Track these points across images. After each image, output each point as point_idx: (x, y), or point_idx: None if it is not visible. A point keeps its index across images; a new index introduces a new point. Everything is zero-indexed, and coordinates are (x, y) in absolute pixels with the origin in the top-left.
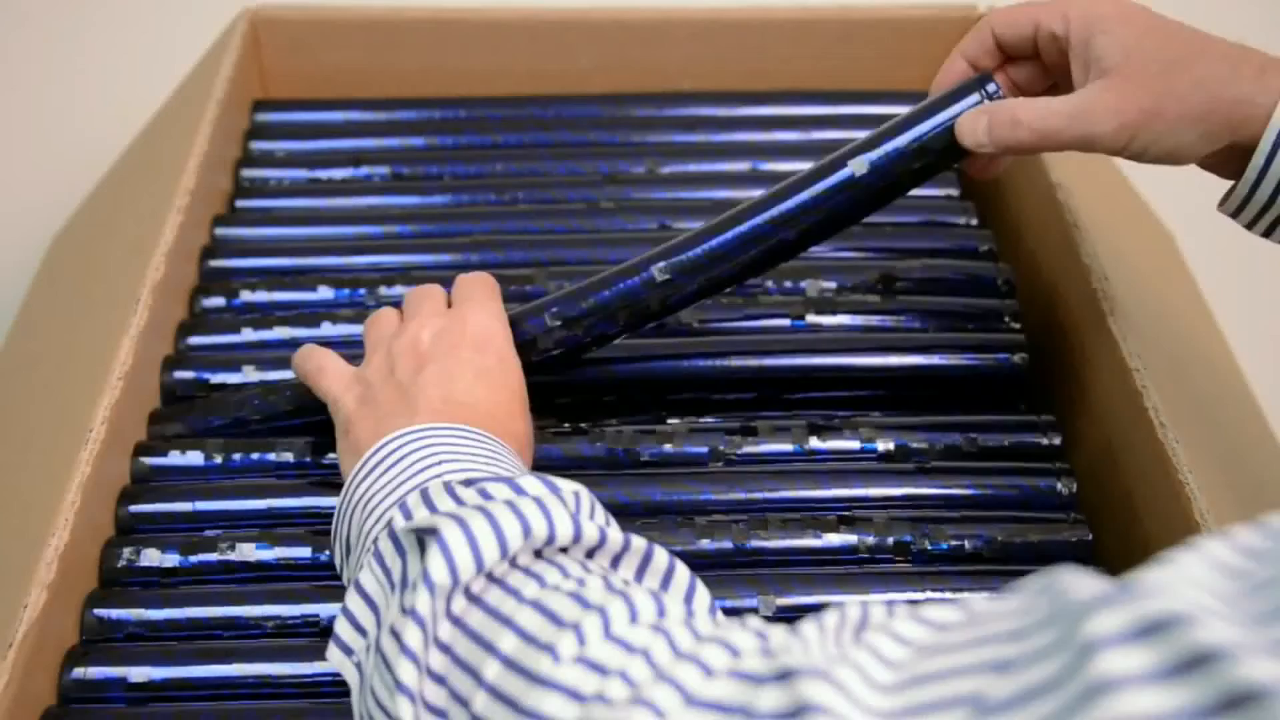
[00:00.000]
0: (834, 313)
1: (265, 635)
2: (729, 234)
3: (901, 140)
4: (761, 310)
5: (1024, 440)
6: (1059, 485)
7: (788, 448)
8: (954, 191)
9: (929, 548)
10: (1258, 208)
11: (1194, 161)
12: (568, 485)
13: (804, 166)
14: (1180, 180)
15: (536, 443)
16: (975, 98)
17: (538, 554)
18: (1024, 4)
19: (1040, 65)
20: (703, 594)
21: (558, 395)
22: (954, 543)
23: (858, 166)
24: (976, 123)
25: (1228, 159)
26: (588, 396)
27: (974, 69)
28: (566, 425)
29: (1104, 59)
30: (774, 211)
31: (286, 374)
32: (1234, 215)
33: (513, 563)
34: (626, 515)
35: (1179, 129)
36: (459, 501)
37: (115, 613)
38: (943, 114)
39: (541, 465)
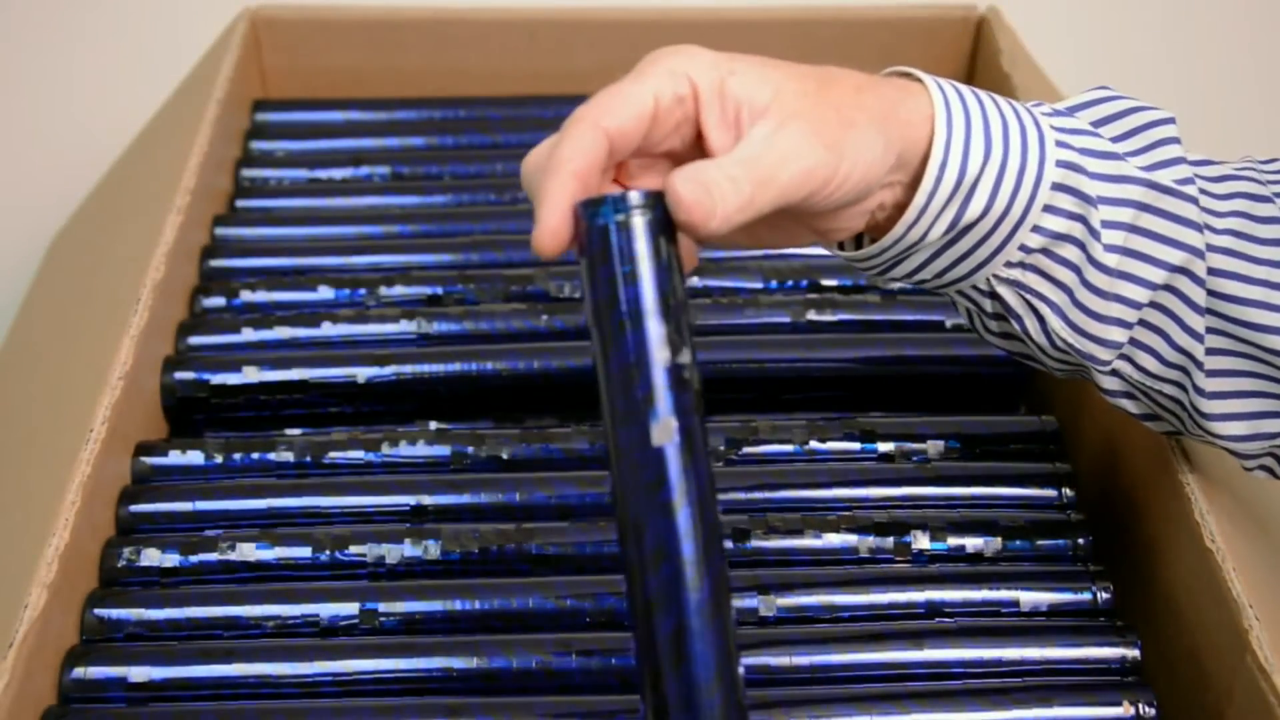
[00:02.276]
0: (834, 312)
1: (265, 635)
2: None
3: (657, 372)
4: (761, 310)
5: (1024, 441)
6: (1059, 486)
7: (788, 448)
8: None
9: (929, 548)
10: (932, 216)
11: (873, 188)
12: None
13: None
14: None
15: (536, 442)
16: (643, 217)
17: None
18: (618, 85)
19: (662, 159)
20: None
21: (558, 394)
22: (954, 543)
23: (662, 434)
24: (698, 207)
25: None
26: (588, 396)
27: (585, 190)
28: (569, 425)
29: (754, 99)
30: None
31: (287, 374)
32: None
33: None
34: None
35: (868, 135)
36: None
37: (115, 612)
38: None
39: (542, 464)
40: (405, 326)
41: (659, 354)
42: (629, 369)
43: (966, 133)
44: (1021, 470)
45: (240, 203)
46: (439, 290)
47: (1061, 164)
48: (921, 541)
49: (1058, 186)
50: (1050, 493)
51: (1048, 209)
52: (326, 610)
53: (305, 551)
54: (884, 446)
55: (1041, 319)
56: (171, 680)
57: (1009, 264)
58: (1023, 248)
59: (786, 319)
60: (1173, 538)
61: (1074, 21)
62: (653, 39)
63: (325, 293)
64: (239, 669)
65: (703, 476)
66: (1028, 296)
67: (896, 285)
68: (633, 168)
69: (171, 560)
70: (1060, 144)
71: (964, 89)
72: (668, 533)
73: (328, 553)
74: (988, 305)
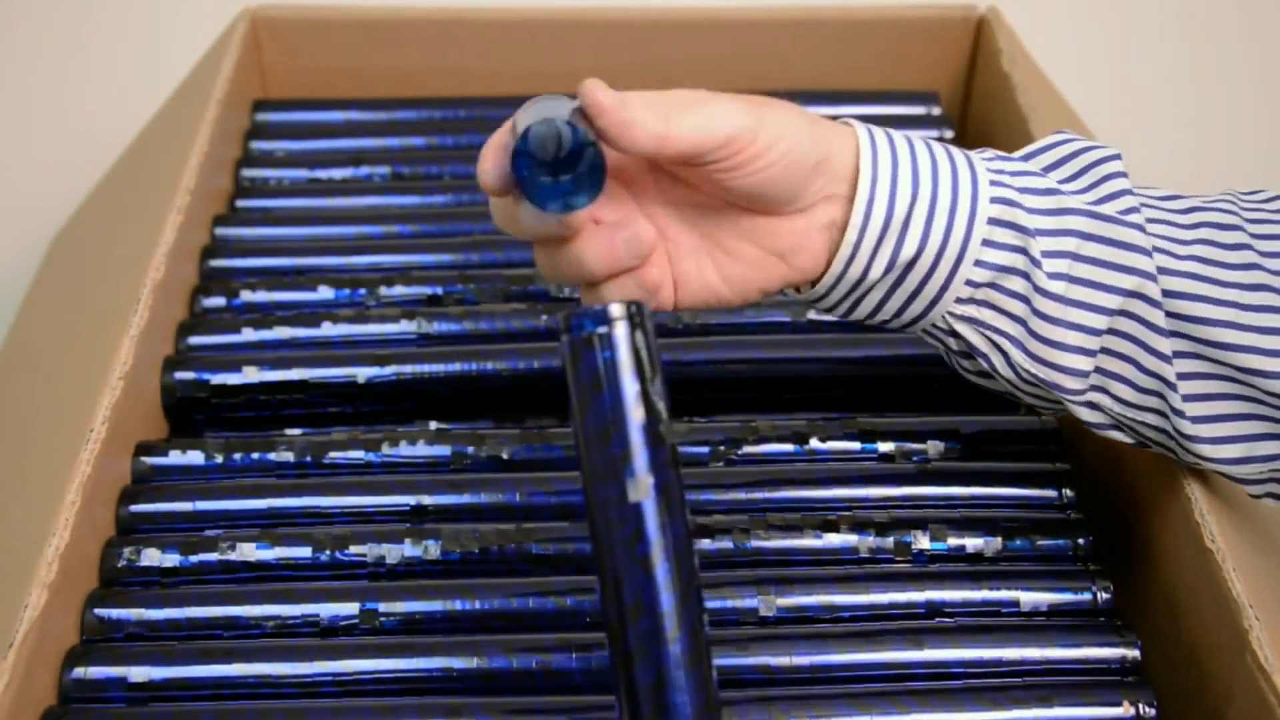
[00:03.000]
0: None
1: (265, 635)
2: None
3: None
4: (761, 310)
5: (1024, 441)
6: (1060, 486)
7: (788, 448)
8: None
9: (929, 548)
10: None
11: (804, 176)
12: None
13: None
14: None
15: (536, 442)
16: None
17: None
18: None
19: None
20: None
21: (558, 394)
22: (954, 543)
23: (638, 491)
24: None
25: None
26: None
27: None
28: (569, 425)
29: (684, 96)
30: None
31: (287, 374)
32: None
33: None
34: None
35: (791, 116)
36: None
37: (115, 612)
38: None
39: (542, 464)
40: (405, 326)
41: (634, 412)
42: (605, 426)
43: (893, 172)
44: (1021, 470)
45: (240, 203)
46: (439, 290)
47: (997, 200)
48: (921, 541)
49: (994, 221)
50: (1050, 493)
51: (987, 243)
52: (326, 610)
53: (305, 551)
54: (884, 446)
55: (1004, 353)
56: (171, 680)
57: (960, 300)
58: (969, 283)
59: (786, 319)
60: (1173, 538)
61: (1074, 21)
62: (653, 39)
63: (325, 293)
64: (239, 669)
65: (679, 530)
66: (986, 332)
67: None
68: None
69: (171, 560)
70: (995, 182)
71: (895, 134)
72: (646, 586)
73: (328, 553)
74: (954, 344)
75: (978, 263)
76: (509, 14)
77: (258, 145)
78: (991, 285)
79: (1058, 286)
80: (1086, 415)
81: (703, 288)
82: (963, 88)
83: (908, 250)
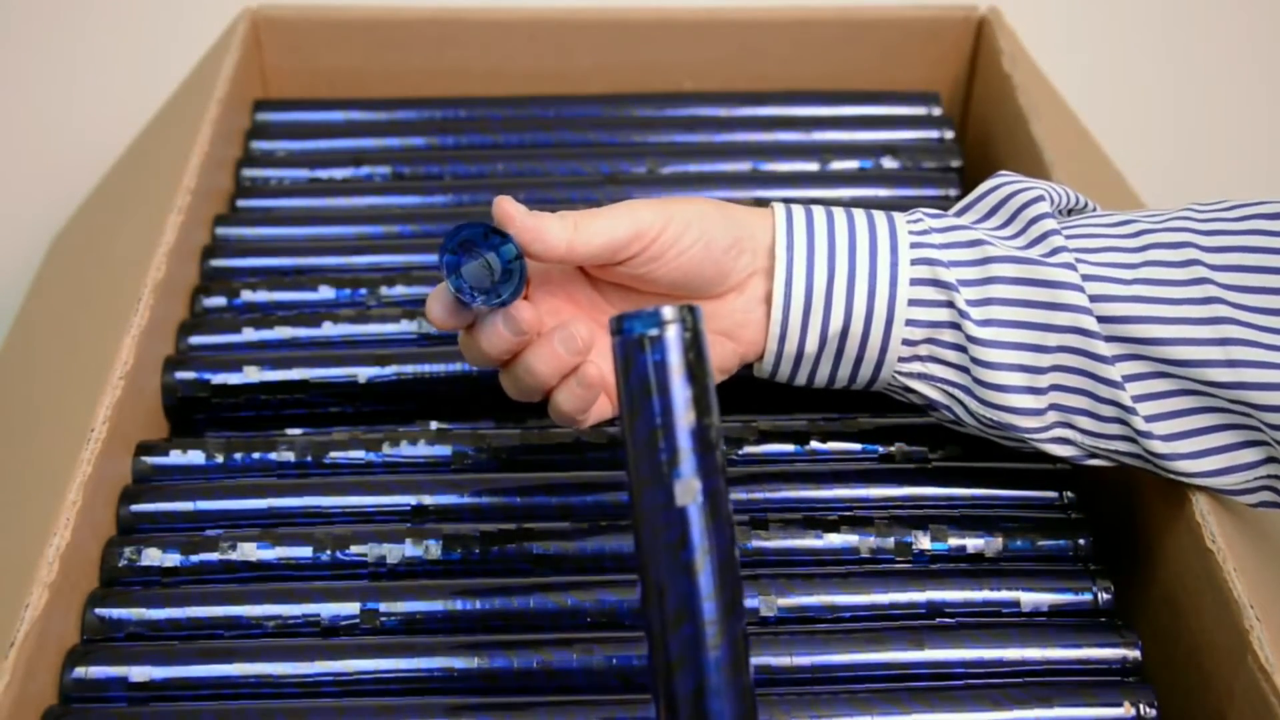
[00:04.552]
0: None
1: (266, 635)
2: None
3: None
4: None
5: None
6: (1060, 486)
7: (788, 448)
8: (953, 192)
9: (930, 548)
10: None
11: (731, 267)
12: None
13: (805, 167)
14: (1175, 192)
15: (536, 442)
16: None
17: None
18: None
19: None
20: None
21: None
22: (955, 543)
23: (685, 494)
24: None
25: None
26: None
27: None
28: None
29: (594, 210)
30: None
31: (288, 374)
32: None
33: None
34: (627, 514)
35: (700, 205)
36: None
37: (116, 612)
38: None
39: (543, 465)
40: (406, 326)
41: (684, 416)
42: (655, 431)
43: (809, 250)
44: (1022, 470)
45: (241, 202)
46: None
47: (917, 261)
48: (922, 541)
49: (917, 281)
50: (1050, 493)
51: (914, 303)
52: (327, 610)
53: (306, 551)
54: (884, 446)
55: (960, 402)
56: (172, 680)
57: (904, 359)
58: (906, 342)
59: None
60: (1173, 538)
61: (1074, 21)
62: (653, 39)
63: (326, 292)
64: (240, 669)
65: (725, 538)
66: (938, 385)
67: None
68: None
69: (172, 560)
70: (916, 244)
71: (815, 209)
72: (689, 592)
73: (328, 552)
74: (915, 399)
75: (909, 322)
76: (509, 14)
77: (258, 145)
78: (929, 340)
79: (989, 333)
80: (1058, 451)
81: None
82: (963, 88)
83: (835, 323)
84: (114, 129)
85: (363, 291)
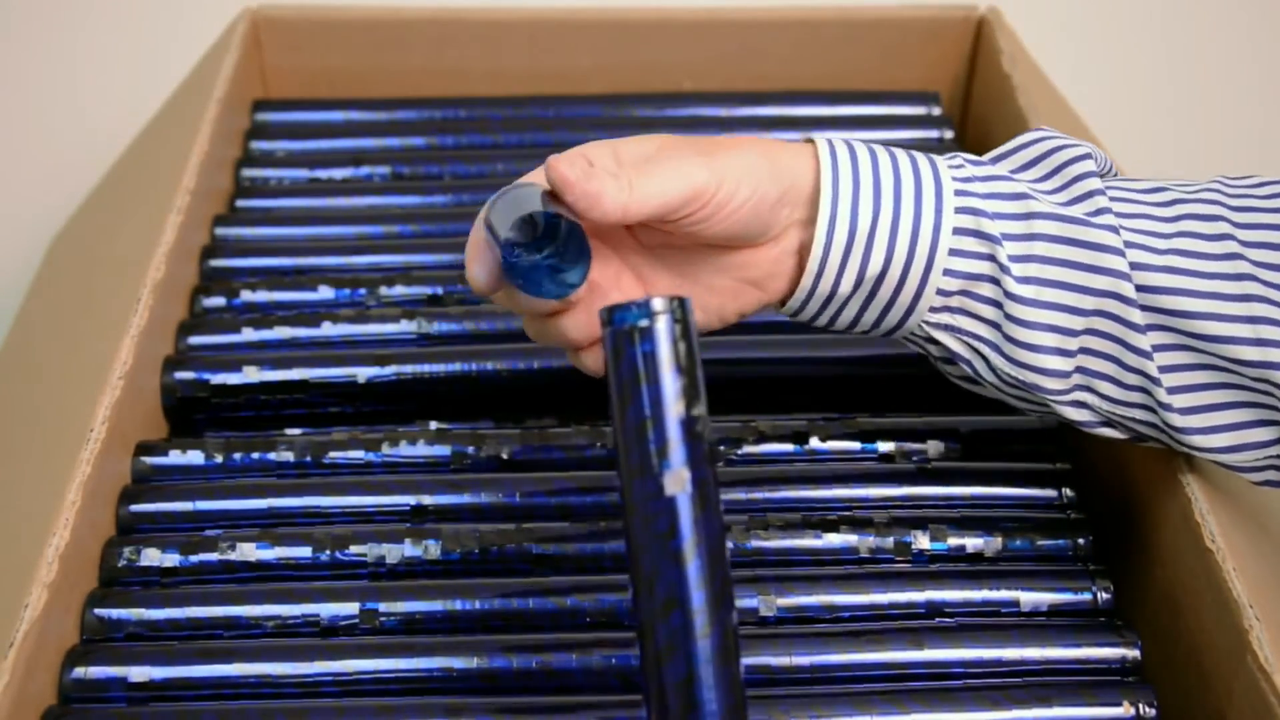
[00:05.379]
0: None
1: (265, 635)
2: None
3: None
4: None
5: (1024, 440)
6: (1060, 486)
7: (788, 448)
8: None
9: (929, 548)
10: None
11: (768, 211)
12: None
13: None
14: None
15: (536, 442)
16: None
17: None
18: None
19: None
20: None
21: (558, 394)
22: (954, 543)
23: (674, 484)
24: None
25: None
26: (588, 396)
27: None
28: (569, 425)
29: (643, 149)
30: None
31: (287, 374)
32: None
33: None
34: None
35: (749, 156)
36: None
37: (116, 612)
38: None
39: (543, 465)
40: (405, 326)
41: (674, 407)
42: (644, 421)
43: (854, 190)
44: (1021, 470)
45: (240, 203)
46: (439, 290)
47: (961, 209)
48: (921, 541)
49: (960, 231)
50: (1050, 493)
51: (954, 253)
52: (327, 610)
53: (305, 551)
54: (884, 446)
55: (984, 358)
56: (172, 680)
57: (934, 309)
58: (941, 292)
59: (787, 319)
60: (1173, 538)
61: (1074, 21)
62: (653, 39)
63: (325, 292)
64: (239, 669)
65: (714, 528)
66: (964, 338)
67: None
68: None
69: (171, 560)
70: (960, 192)
71: (858, 146)
72: (679, 581)
73: (328, 552)
74: (935, 351)
75: (947, 272)
76: (509, 14)
77: (258, 145)
78: (963, 293)
79: (1028, 291)
80: (1074, 414)
81: None
82: (963, 88)
83: (874, 266)
84: (114, 129)
85: (362, 291)
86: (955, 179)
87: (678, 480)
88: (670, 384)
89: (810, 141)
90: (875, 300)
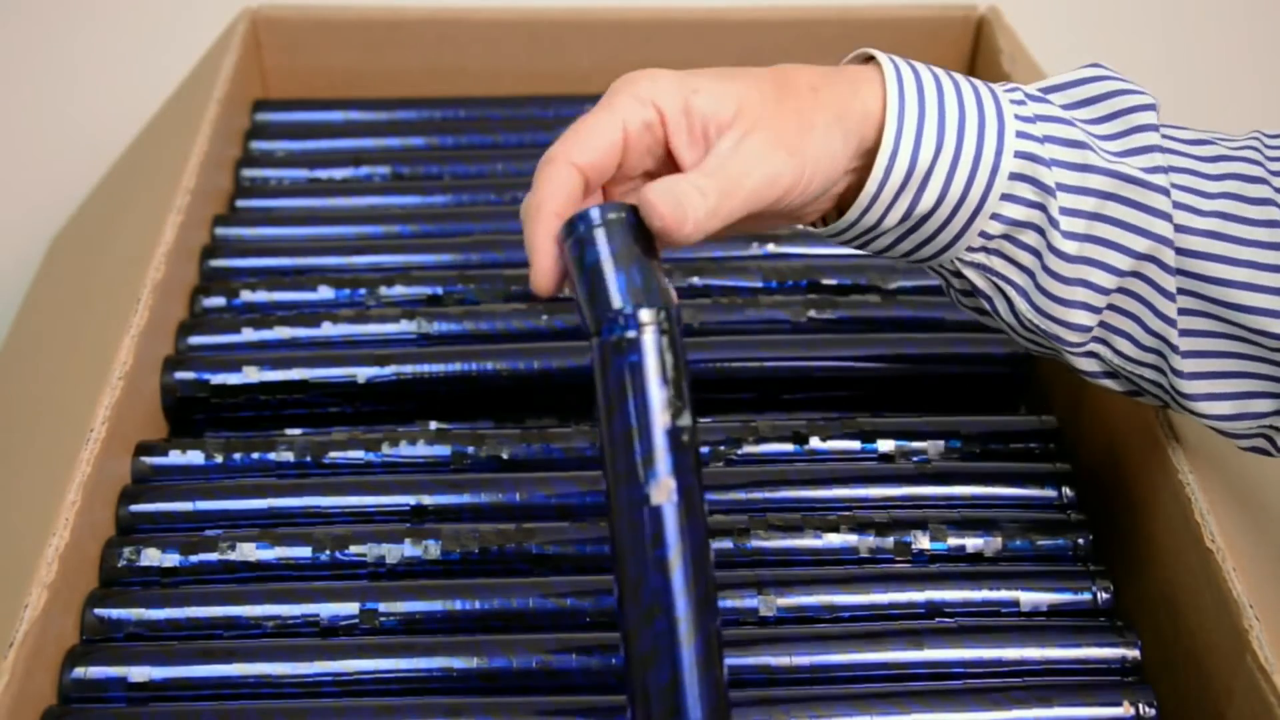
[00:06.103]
0: (834, 312)
1: (265, 635)
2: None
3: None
4: (761, 310)
5: (1024, 440)
6: (1060, 486)
7: (788, 448)
8: None
9: (929, 548)
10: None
11: (838, 179)
12: None
13: None
14: None
15: (536, 442)
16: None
17: None
18: (587, 118)
19: (640, 179)
20: None
21: (558, 394)
22: (954, 543)
23: (660, 494)
24: (672, 210)
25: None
26: (589, 396)
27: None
28: (569, 425)
29: (718, 113)
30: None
31: (287, 374)
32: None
33: None
34: None
35: (828, 136)
36: None
37: (115, 612)
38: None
39: (543, 464)
40: (405, 326)
41: (660, 417)
42: (630, 431)
43: (919, 124)
44: (1021, 470)
45: (240, 203)
46: (439, 290)
47: (1020, 154)
48: (921, 541)
49: (1016, 176)
50: (1050, 493)
51: (1006, 197)
52: (326, 610)
53: (305, 551)
54: (884, 446)
55: (1009, 300)
56: (171, 680)
57: (971, 249)
58: (983, 234)
59: (786, 319)
60: (1173, 537)
61: (1074, 21)
62: (653, 39)
63: (325, 293)
64: (239, 669)
65: (699, 536)
66: (994, 279)
67: (895, 285)
68: (615, 194)
69: (171, 560)
70: (1021, 134)
71: (924, 73)
72: (663, 589)
73: (328, 553)
74: (958, 283)
75: (994, 216)
76: (509, 14)
77: (258, 145)
78: (1006, 238)
79: (1071, 246)
80: (1082, 364)
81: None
82: None
83: (925, 203)
84: (114, 129)
85: (362, 291)
86: (1017, 116)
87: (663, 490)
88: (657, 395)
89: (874, 63)
90: (916, 234)
